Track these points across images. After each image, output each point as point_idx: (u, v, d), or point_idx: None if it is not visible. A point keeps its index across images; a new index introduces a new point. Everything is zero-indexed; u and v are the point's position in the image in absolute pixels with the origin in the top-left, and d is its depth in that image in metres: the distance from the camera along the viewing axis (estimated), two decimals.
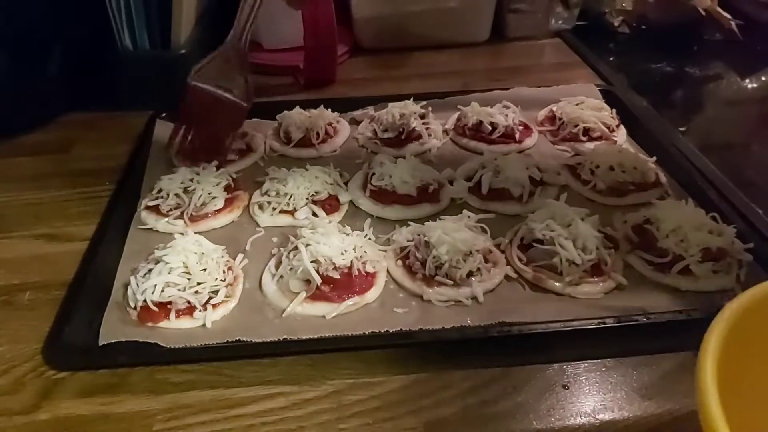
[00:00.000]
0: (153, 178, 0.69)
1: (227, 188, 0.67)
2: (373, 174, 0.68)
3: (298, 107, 0.81)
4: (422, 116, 0.80)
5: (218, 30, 0.99)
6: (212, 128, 0.70)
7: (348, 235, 0.59)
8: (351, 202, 0.68)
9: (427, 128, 0.79)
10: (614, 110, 0.82)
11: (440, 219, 0.62)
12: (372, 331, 0.51)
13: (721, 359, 0.32)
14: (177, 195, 0.65)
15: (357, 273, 0.55)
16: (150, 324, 0.52)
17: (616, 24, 1.15)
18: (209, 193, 0.65)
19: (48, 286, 0.58)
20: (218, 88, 0.67)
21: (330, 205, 0.66)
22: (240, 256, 0.60)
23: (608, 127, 0.79)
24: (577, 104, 0.83)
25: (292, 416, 0.46)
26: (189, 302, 0.53)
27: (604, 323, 0.51)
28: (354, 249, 0.56)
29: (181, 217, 0.64)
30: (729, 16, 1.07)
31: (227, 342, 0.51)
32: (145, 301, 0.52)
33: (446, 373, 0.49)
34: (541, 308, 0.54)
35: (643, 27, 1.15)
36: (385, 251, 0.60)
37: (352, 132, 0.82)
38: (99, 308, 0.53)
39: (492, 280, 0.57)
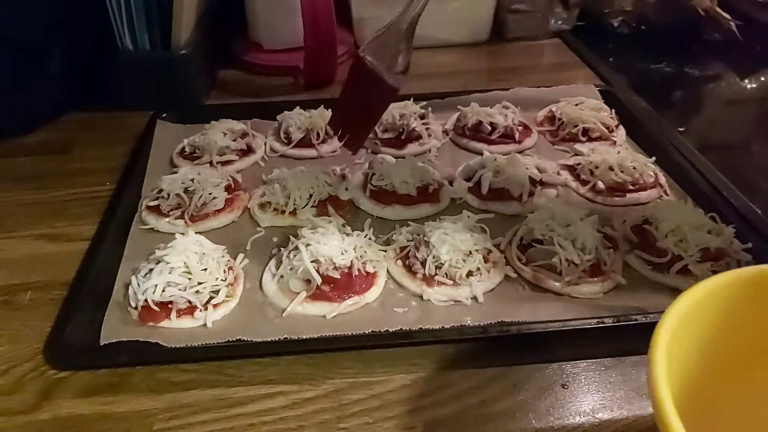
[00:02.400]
0: (154, 178, 0.69)
1: (228, 188, 0.67)
2: (373, 174, 0.69)
3: (298, 108, 0.81)
4: (422, 116, 0.80)
5: (218, 30, 1.00)
6: (364, 104, 0.66)
7: (348, 235, 0.59)
8: (351, 202, 0.68)
9: (427, 128, 0.79)
10: (613, 110, 0.82)
11: (440, 219, 0.62)
12: (372, 331, 0.51)
13: (671, 353, 0.32)
14: (178, 195, 0.65)
15: (357, 273, 0.55)
16: (151, 324, 0.52)
17: (615, 24, 1.15)
18: (210, 193, 0.65)
19: (49, 286, 0.58)
20: (380, 65, 0.63)
21: (334, 204, 0.66)
22: (240, 255, 0.60)
23: (607, 128, 0.79)
24: (576, 105, 0.83)
25: (292, 415, 0.46)
26: (190, 302, 0.53)
27: (603, 323, 0.51)
28: (354, 249, 0.57)
29: (181, 217, 0.64)
30: (728, 17, 1.08)
31: (228, 341, 0.51)
32: (146, 300, 0.52)
33: (446, 372, 0.49)
34: (541, 308, 0.54)
35: (643, 27, 1.15)
36: (385, 251, 0.61)
37: None
38: (100, 308, 0.54)
39: (491, 280, 0.57)
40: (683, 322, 0.35)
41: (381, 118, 0.73)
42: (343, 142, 0.66)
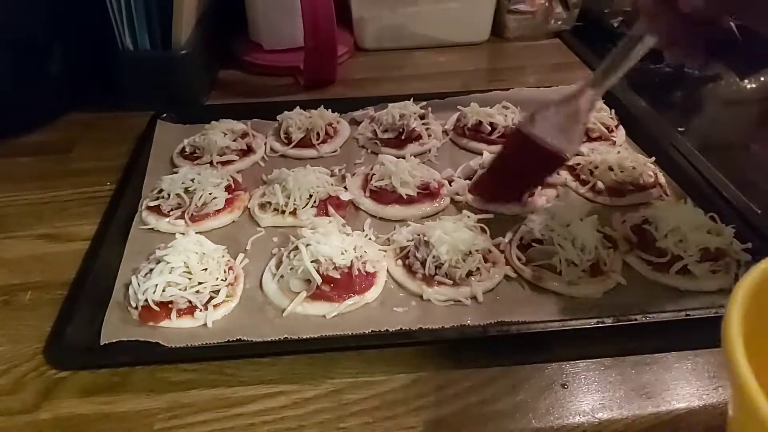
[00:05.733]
0: (154, 178, 0.69)
1: (228, 188, 0.67)
2: (373, 174, 0.69)
3: (298, 108, 0.81)
4: (422, 117, 0.80)
5: (219, 30, 1.00)
6: (524, 172, 0.65)
7: (348, 235, 0.60)
8: (351, 202, 0.68)
9: (426, 129, 0.79)
10: (613, 110, 0.82)
11: (440, 219, 0.62)
12: (372, 331, 0.51)
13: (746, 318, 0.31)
14: (178, 195, 0.65)
15: (357, 273, 0.55)
16: (151, 323, 0.52)
17: (615, 24, 1.15)
18: (210, 194, 0.65)
19: (49, 286, 0.58)
20: (546, 134, 0.61)
21: (334, 204, 0.66)
22: (241, 255, 0.60)
23: (607, 128, 0.79)
24: None
25: (292, 415, 0.46)
26: (190, 302, 0.53)
27: (603, 323, 0.51)
28: (354, 249, 0.57)
29: (182, 217, 0.64)
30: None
31: (228, 341, 0.51)
32: (146, 300, 0.52)
33: (446, 372, 0.49)
34: (540, 308, 0.54)
35: None
36: (385, 251, 0.61)
37: (352, 132, 0.82)
38: (100, 308, 0.54)
39: (491, 280, 0.57)
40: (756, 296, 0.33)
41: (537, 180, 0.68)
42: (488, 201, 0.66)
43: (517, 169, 0.65)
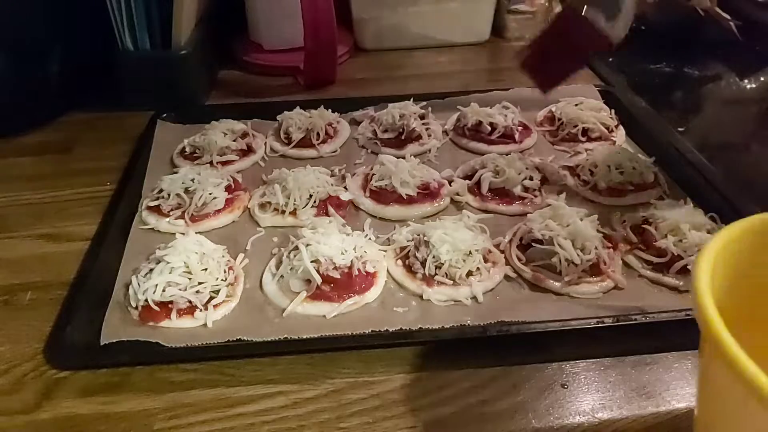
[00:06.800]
0: (154, 178, 0.69)
1: (228, 188, 0.67)
2: (373, 174, 0.69)
3: (298, 108, 0.81)
4: (422, 117, 0.81)
5: (219, 30, 1.00)
6: (568, 51, 0.67)
7: (348, 235, 0.60)
8: (351, 202, 0.68)
9: (426, 129, 0.79)
10: (613, 110, 0.82)
11: (440, 219, 0.62)
12: (372, 331, 0.51)
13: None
14: (178, 195, 0.65)
15: (357, 272, 0.55)
16: (151, 323, 0.52)
17: None
18: (210, 194, 0.65)
19: (49, 285, 0.58)
20: (596, 14, 0.62)
21: (334, 204, 0.66)
22: (241, 255, 0.60)
23: (607, 128, 0.79)
24: (576, 105, 0.83)
25: (292, 415, 0.46)
26: (190, 302, 0.53)
27: (603, 323, 0.51)
28: (354, 249, 0.57)
29: (182, 217, 0.64)
30: (728, 17, 1.08)
31: (228, 341, 0.51)
32: (146, 300, 0.52)
33: (446, 372, 0.49)
34: (540, 308, 0.54)
35: (643, 27, 1.15)
36: (385, 251, 0.61)
37: (352, 132, 0.82)
38: (100, 308, 0.54)
39: (491, 280, 0.57)
40: (721, 252, 0.36)
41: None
42: (535, 82, 0.68)
43: (563, 47, 0.66)
